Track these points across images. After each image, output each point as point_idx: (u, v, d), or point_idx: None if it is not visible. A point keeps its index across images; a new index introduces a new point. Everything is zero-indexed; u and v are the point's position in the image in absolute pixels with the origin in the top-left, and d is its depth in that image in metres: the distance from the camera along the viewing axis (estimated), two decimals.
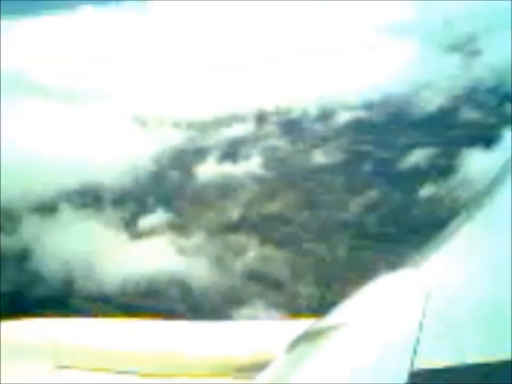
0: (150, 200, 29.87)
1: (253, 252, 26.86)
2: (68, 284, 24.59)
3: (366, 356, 2.46)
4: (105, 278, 24.89)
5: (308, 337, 2.87)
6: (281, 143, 35.60)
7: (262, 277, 25.59)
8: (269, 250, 27.04)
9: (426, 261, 3.10)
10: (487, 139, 31.44)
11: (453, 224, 3.48)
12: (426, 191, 30.17)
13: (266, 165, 33.05)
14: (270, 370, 2.76)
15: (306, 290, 24.76)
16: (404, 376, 2.23)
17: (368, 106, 38.51)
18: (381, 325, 2.66)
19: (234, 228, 28.52)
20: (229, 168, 32.84)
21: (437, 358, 2.31)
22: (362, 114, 38.14)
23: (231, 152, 34.28)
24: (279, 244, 27.38)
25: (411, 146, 33.51)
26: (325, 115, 38.10)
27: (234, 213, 29.35)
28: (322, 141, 35.60)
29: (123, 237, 27.68)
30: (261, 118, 37.72)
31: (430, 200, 29.42)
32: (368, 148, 34.50)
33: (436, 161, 32.18)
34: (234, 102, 37.15)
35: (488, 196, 3.58)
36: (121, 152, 31.44)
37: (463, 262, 3.00)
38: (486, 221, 3.30)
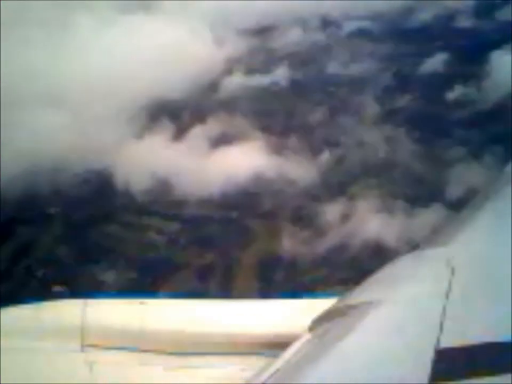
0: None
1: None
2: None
3: (392, 333, 2.45)
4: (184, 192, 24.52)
5: (331, 315, 2.89)
6: None
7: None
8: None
9: (451, 238, 3.12)
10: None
11: (477, 200, 3.56)
12: (454, 93, 30.76)
13: None
14: (294, 348, 2.74)
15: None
16: (430, 354, 2.18)
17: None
18: (406, 302, 2.64)
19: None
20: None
21: (463, 335, 2.28)
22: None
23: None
24: None
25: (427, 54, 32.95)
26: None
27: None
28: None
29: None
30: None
31: (459, 102, 30.17)
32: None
33: (457, 67, 32.30)
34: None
35: None
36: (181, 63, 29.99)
37: (488, 238, 3.03)
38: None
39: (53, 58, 27.96)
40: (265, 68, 32.06)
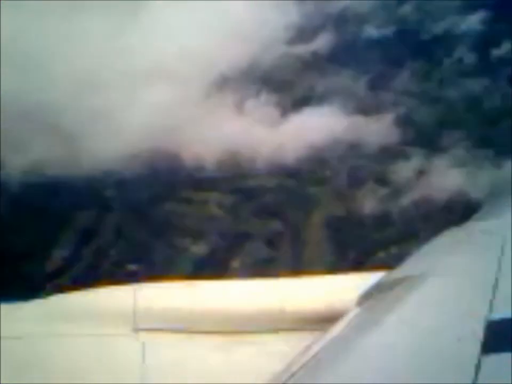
0: None
1: None
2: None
3: (443, 304, 2.46)
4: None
5: (380, 289, 2.87)
6: None
7: None
8: None
9: (502, 210, 3.13)
10: None
11: None
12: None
13: None
14: (343, 323, 2.73)
15: None
16: (482, 325, 2.17)
17: None
18: (458, 274, 2.64)
19: None
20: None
21: None
22: None
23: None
24: None
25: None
26: None
27: None
28: None
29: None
30: None
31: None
32: None
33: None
34: None
35: None
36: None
37: None
38: None
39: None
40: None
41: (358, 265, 20.50)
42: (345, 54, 29.41)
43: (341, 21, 30.91)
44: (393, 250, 21.55)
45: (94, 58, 26.33)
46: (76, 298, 4.06)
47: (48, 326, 3.76)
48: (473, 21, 30.40)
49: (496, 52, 29.16)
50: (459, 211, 20.66)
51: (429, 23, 30.61)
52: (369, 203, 24.02)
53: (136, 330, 3.77)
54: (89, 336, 3.73)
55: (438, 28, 30.44)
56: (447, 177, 24.75)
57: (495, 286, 2.40)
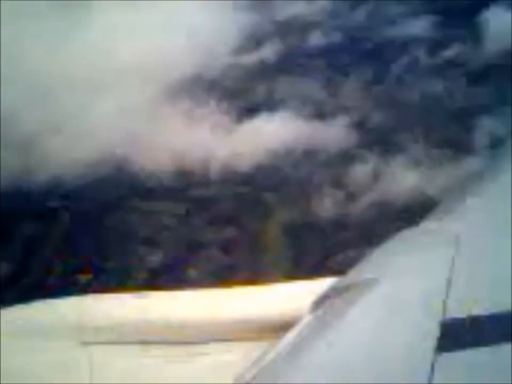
0: None
1: None
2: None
3: (395, 307, 2.46)
4: None
5: (332, 294, 2.85)
6: None
7: None
8: None
9: (453, 212, 3.16)
10: None
11: (478, 175, 3.70)
12: None
13: None
14: (295, 331, 2.71)
15: None
16: (435, 326, 2.21)
17: None
18: (409, 276, 2.67)
19: None
20: None
21: (468, 307, 2.28)
22: None
23: None
24: None
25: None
26: None
27: None
28: None
29: None
30: None
31: None
32: None
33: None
34: None
35: None
36: None
37: (495, 209, 3.00)
38: None
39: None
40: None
41: (317, 270, 20.35)
42: (294, 61, 29.45)
43: (288, 29, 30.78)
44: (352, 253, 21.40)
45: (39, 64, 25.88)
46: (18, 312, 3.93)
47: None
48: (424, 25, 30.79)
49: (449, 54, 29.34)
50: (418, 211, 20.48)
51: (380, 28, 30.83)
52: (326, 207, 23.92)
53: (84, 343, 3.67)
54: (32, 351, 3.63)
55: (389, 31, 30.64)
56: (404, 178, 24.75)
57: (449, 286, 2.42)
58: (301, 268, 21.02)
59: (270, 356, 2.58)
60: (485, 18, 29.57)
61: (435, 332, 2.19)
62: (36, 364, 3.60)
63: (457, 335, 2.20)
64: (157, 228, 22.10)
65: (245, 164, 24.80)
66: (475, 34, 29.23)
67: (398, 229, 3.43)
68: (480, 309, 2.29)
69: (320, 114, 26.87)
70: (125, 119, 25.09)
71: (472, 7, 30.08)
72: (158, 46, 27.90)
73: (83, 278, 19.15)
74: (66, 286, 17.35)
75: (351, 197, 24.30)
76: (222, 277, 20.21)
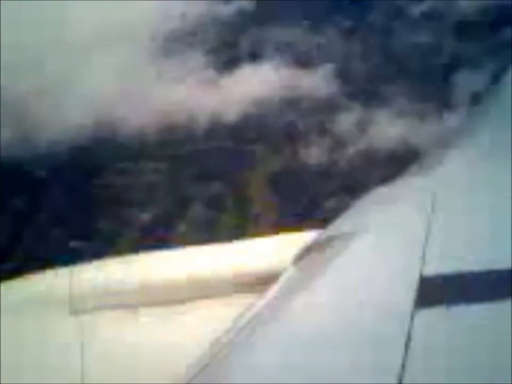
0: None
1: None
2: None
3: (374, 261, 2.50)
4: None
5: (314, 247, 2.89)
6: None
7: None
8: None
9: (434, 166, 3.18)
10: None
11: (452, 138, 3.62)
12: None
13: None
14: (279, 283, 2.77)
15: None
16: (414, 281, 2.23)
17: None
18: (389, 230, 2.69)
19: None
20: None
21: (445, 262, 2.33)
22: None
23: None
24: None
25: None
26: None
27: None
28: None
29: None
30: None
31: None
32: None
33: None
34: None
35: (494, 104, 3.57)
36: None
37: (472, 166, 3.03)
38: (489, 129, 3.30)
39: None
40: None
41: (304, 218, 20.65)
42: (273, 10, 28.84)
43: None
44: (337, 201, 21.67)
45: (29, 30, 25.92)
46: (8, 286, 4.03)
47: None
48: None
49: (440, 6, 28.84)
50: (403, 160, 20.78)
51: None
52: (312, 156, 24.12)
53: (75, 312, 3.75)
54: (23, 322, 3.73)
55: None
56: (390, 127, 24.87)
57: (425, 242, 2.44)
58: (289, 218, 21.22)
59: (258, 305, 2.61)
60: None
61: (414, 285, 2.19)
62: (28, 335, 3.67)
63: (435, 290, 2.21)
64: (145, 187, 22.38)
65: (231, 116, 25.12)
66: None
67: (384, 178, 3.66)
68: (456, 265, 2.31)
69: (303, 63, 26.93)
70: (110, 79, 25.29)
71: None
72: (133, 3, 28.04)
73: (75, 244, 19.43)
74: (61, 253, 17.31)
75: (337, 145, 24.56)
76: (211, 230, 20.68)
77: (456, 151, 3.34)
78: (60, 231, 20.49)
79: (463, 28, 26.89)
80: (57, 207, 21.05)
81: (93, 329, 3.69)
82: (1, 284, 4.01)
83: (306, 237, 3.32)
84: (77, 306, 3.77)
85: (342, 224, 3.02)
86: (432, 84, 25.90)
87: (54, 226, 20.68)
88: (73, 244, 19.36)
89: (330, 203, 22.17)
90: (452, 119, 22.71)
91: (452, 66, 25.96)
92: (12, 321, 3.70)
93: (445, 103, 24.42)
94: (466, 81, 24.43)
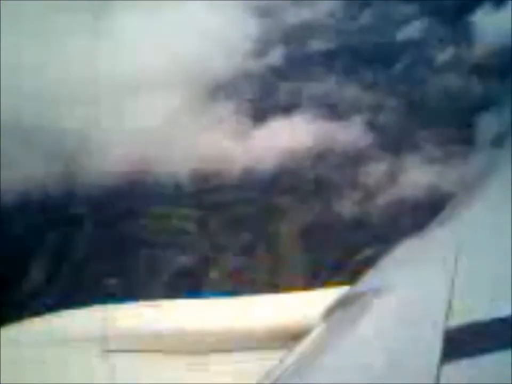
0: None
1: None
2: None
3: (400, 317, 2.49)
4: None
5: (344, 303, 2.90)
6: None
7: None
8: None
9: (453, 219, 3.16)
10: None
11: (477, 182, 3.56)
12: None
13: None
14: (309, 339, 2.76)
15: None
16: (439, 335, 2.23)
17: None
18: (413, 286, 2.70)
19: None
20: None
21: (470, 315, 2.31)
22: None
23: None
24: None
25: None
26: None
27: None
28: None
29: None
30: None
31: None
32: None
33: None
34: None
35: None
36: None
37: (492, 216, 3.01)
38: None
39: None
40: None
41: (336, 270, 20.52)
42: (301, 66, 29.83)
43: (293, 35, 31.27)
44: (368, 252, 21.49)
45: (71, 71, 26.32)
46: (42, 323, 4.06)
47: (15, 353, 3.77)
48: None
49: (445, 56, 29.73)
50: (433, 207, 20.58)
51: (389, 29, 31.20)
52: (343, 208, 24.06)
53: (106, 352, 3.75)
54: (56, 360, 3.73)
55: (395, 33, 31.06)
56: (419, 175, 24.86)
57: (451, 295, 2.45)
58: (320, 271, 21.10)
59: (288, 361, 2.60)
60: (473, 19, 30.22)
61: (439, 342, 2.19)
62: (59, 373, 3.67)
63: (461, 343, 2.20)
64: (176, 233, 22.41)
65: (262, 167, 25.27)
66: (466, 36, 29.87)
67: (416, 226, 3.52)
68: (483, 315, 2.29)
69: (334, 116, 27.23)
70: (145, 124, 25.55)
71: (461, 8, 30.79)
72: (175, 52, 28.53)
73: (110, 281, 19.40)
74: (95, 291, 17.61)
75: (368, 196, 24.52)
76: (243, 279, 20.56)
77: (481, 194, 3.37)
78: (95, 269, 20.52)
79: (483, 71, 27.35)
80: (93, 245, 21.04)
81: (125, 370, 3.71)
82: (39, 320, 4.08)
83: (336, 292, 3.34)
84: (109, 346, 3.78)
85: (368, 282, 3.06)
86: (457, 127, 25.87)
87: (90, 264, 20.70)
88: (107, 281, 19.33)
89: (361, 255, 21.97)
90: (477, 161, 22.69)
91: (475, 109, 26.04)
92: (47, 356, 3.76)
93: (470, 146, 24.44)
94: (490, 123, 24.40)
